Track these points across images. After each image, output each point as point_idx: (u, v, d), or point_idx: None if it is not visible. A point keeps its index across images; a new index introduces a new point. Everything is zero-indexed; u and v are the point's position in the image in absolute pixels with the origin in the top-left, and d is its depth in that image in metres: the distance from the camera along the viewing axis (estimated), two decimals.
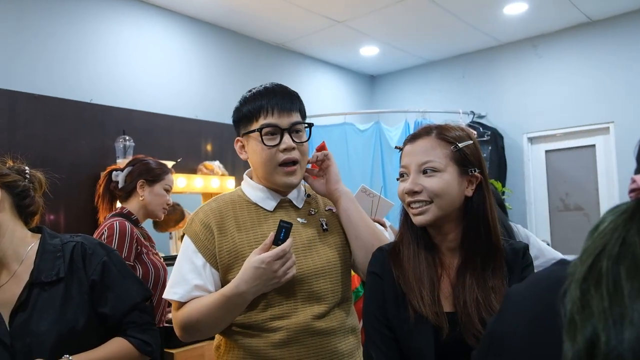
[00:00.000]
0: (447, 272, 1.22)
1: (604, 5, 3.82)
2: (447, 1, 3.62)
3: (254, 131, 1.30)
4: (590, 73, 4.12)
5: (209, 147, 3.66)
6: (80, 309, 1.25)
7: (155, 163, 2.29)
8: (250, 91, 1.37)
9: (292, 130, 1.31)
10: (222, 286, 1.26)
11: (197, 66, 3.77)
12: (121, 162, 2.95)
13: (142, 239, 2.11)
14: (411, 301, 1.16)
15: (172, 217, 3.16)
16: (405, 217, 1.26)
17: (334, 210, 1.42)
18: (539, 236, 3.57)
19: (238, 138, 1.38)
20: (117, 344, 1.29)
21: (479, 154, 1.22)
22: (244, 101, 1.35)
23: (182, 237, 1.36)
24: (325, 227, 1.38)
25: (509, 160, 4.44)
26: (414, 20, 3.97)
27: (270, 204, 1.35)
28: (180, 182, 3.16)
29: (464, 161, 1.18)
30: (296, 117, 1.33)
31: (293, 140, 1.30)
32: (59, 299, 1.24)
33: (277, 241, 1.20)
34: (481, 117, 4.61)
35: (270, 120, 1.29)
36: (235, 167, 3.71)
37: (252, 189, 1.37)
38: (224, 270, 1.27)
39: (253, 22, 3.92)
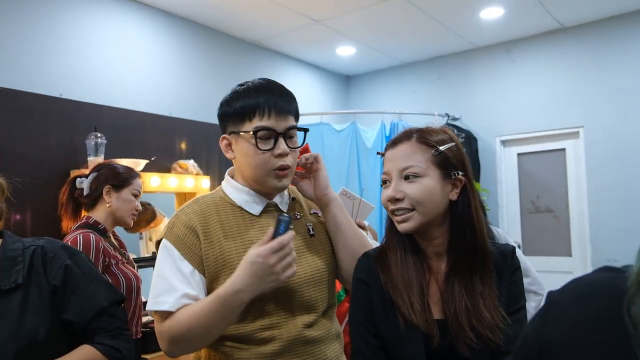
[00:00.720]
0: (435, 277, 1.19)
1: (576, 12, 3.90)
2: (426, 3, 3.63)
3: (246, 132, 1.21)
4: (561, 78, 4.21)
5: (183, 146, 3.58)
6: (41, 317, 1.18)
7: (122, 167, 2.19)
8: (242, 85, 1.26)
9: (287, 135, 1.23)
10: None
11: (172, 62, 3.68)
12: (92, 159, 2.85)
13: (111, 250, 2.01)
14: (400, 308, 1.13)
15: (143, 217, 3.07)
16: (391, 223, 1.22)
17: (319, 214, 1.36)
18: (511, 237, 3.63)
19: (225, 136, 1.27)
20: (84, 352, 1.23)
21: (463, 156, 1.19)
22: (236, 96, 1.24)
23: (158, 242, 1.24)
24: (312, 232, 1.32)
25: (483, 163, 4.50)
26: (392, 21, 3.97)
27: (256, 208, 1.27)
28: (154, 181, 3.08)
29: (446, 164, 1.15)
30: (292, 121, 1.25)
31: (287, 146, 1.22)
32: (17, 308, 1.17)
33: (276, 235, 1.12)
34: (455, 119, 4.65)
35: (265, 122, 1.20)
36: (210, 167, 3.64)
37: (237, 191, 1.28)
38: (210, 278, 1.19)
39: (230, 19, 3.85)
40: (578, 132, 4.14)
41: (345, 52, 4.66)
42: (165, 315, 1.16)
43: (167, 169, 3.37)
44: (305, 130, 1.30)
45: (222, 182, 1.33)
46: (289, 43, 4.40)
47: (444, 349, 1.11)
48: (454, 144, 1.19)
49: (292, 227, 1.14)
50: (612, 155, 3.92)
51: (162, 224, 3.18)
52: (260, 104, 1.21)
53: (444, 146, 1.16)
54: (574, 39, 4.14)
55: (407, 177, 1.15)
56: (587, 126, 4.07)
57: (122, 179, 2.13)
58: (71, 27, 3.10)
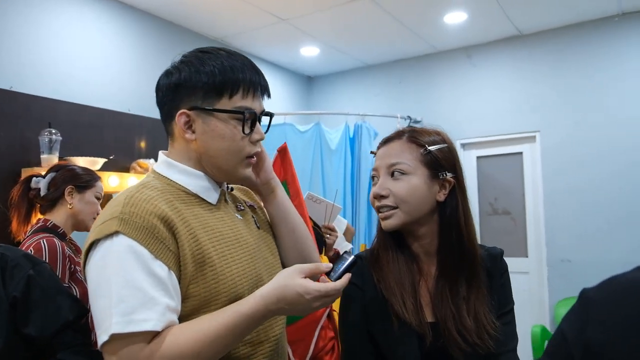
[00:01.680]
0: (425, 279, 1.19)
1: (535, 20, 4.02)
2: (392, 5, 3.64)
3: (227, 111, 1.03)
4: (519, 84, 4.32)
5: (142, 144, 3.43)
6: None
7: (81, 169, 2.05)
8: (209, 53, 1.06)
9: (261, 118, 1.09)
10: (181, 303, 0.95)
11: (131, 57, 3.52)
12: (46, 157, 2.68)
13: (73, 256, 1.88)
14: (394, 307, 1.12)
15: None
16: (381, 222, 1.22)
17: (256, 207, 1.26)
18: None
19: (186, 111, 1.03)
20: None
21: (454, 159, 1.19)
22: (210, 64, 1.03)
23: (94, 243, 0.93)
24: (257, 224, 1.20)
25: None
26: (358, 22, 3.97)
27: (213, 196, 1.09)
28: (113, 181, 2.93)
29: (435, 164, 1.15)
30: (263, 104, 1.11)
31: None
32: None
33: (331, 274, 0.99)
34: (417, 122, 4.70)
35: (249, 102, 1.05)
36: None
37: (189, 177, 1.06)
38: (186, 281, 0.95)
39: (193, 14, 3.73)
40: (535, 136, 4.26)
41: (309, 52, 4.63)
42: (146, 338, 0.88)
43: (126, 169, 3.22)
44: (271, 116, 1.15)
45: (160, 168, 1.09)
46: (253, 41, 4.32)
47: (438, 351, 1.11)
48: (445, 145, 1.18)
49: (353, 269, 1.01)
50: (566, 159, 4.06)
51: None
52: (246, 80, 1.05)
53: (433, 146, 1.16)
54: (532, 45, 4.27)
55: (393, 174, 1.15)
56: (543, 131, 4.20)
57: (86, 181, 2.00)
58: (24, 17, 2.91)
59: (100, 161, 2.84)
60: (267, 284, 0.96)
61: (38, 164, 2.70)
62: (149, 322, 0.87)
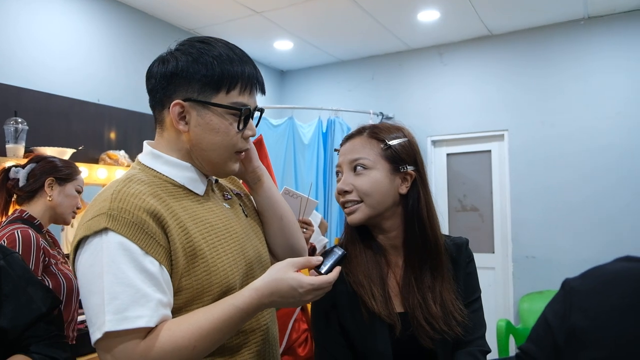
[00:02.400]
0: (393, 271, 1.23)
1: (505, 21, 4.11)
2: (367, 2, 3.66)
3: (223, 106, 1.01)
4: (488, 83, 4.41)
5: (112, 135, 3.35)
6: None
7: (62, 162, 2.02)
8: (208, 44, 1.04)
9: (254, 114, 1.08)
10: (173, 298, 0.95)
11: (100, 45, 3.43)
12: (11, 147, 2.59)
13: (49, 248, 1.84)
14: (363, 298, 1.15)
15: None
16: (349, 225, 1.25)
17: (242, 194, 1.26)
18: None
19: (180, 102, 1.01)
20: None
21: (415, 153, 1.23)
22: (210, 56, 1.01)
23: (82, 240, 0.92)
24: (245, 212, 1.20)
25: None
26: (332, 17, 3.97)
27: (201, 187, 1.08)
28: (82, 172, 2.86)
29: (395, 158, 1.19)
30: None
31: None
32: None
33: (322, 267, 1.00)
34: (389, 118, 4.74)
35: (245, 99, 1.04)
36: None
37: (176, 168, 1.05)
38: (178, 274, 0.95)
39: (165, 4, 3.66)
40: (503, 135, 4.36)
41: (283, 46, 4.61)
42: (140, 334, 0.88)
43: (95, 160, 3.14)
44: (262, 111, 1.12)
45: (145, 159, 1.07)
46: (226, 33, 4.27)
47: (408, 340, 1.15)
48: (405, 139, 1.22)
49: (343, 262, 1.03)
50: (533, 158, 4.17)
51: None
52: (245, 75, 1.03)
53: (394, 141, 1.20)
54: (502, 46, 4.36)
55: (355, 169, 1.19)
56: (511, 130, 4.30)
57: (67, 173, 1.96)
58: None
59: (69, 152, 2.77)
60: (260, 277, 0.97)
61: (3, 153, 2.61)
62: (142, 318, 0.87)
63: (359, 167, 1.18)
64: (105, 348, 0.88)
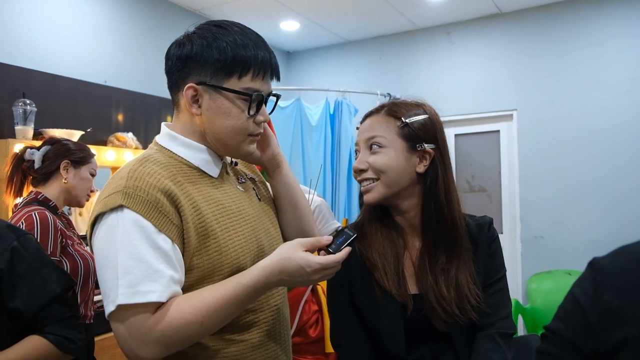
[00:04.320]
0: (410, 252, 1.21)
1: None
2: None
3: (235, 92, 1.01)
4: (497, 62, 4.36)
5: (120, 117, 3.35)
6: None
7: (76, 145, 2.03)
8: (223, 27, 1.04)
9: (267, 100, 1.10)
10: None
11: (107, 26, 3.41)
12: (20, 129, 2.59)
13: (65, 229, 1.86)
14: (375, 276, 1.15)
15: None
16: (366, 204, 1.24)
17: (256, 179, 1.26)
18: None
19: (193, 85, 1.02)
20: (32, 343, 1.11)
21: (435, 130, 1.19)
22: (223, 40, 1.01)
23: (98, 217, 0.95)
24: (258, 196, 1.20)
25: None
26: None
27: (215, 169, 1.09)
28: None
29: (412, 137, 1.16)
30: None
31: None
32: None
33: (332, 247, 0.99)
34: (397, 99, 4.69)
35: (258, 85, 1.04)
36: (149, 140, 3.42)
37: (192, 150, 1.06)
38: (190, 253, 0.97)
39: None
40: (512, 114, 4.32)
41: (289, 27, 4.56)
42: (151, 308, 0.90)
43: (103, 142, 3.14)
44: (278, 97, 1.16)
45: (162, 140, 1.09)
46: (231, 14, 4.23)
47: (421, 321, 1.14)
48: (426, 116, 1.19)
49: (354, 244, 1.02)
50: (542, 137, 4.14)
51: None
52: (258, 60, 1.03)
53: (411, 118, 1.17)
54: (511, 24, 4.30)
55: (371, 147, 1.18)
56: (520, 109, 4.26)
57: (82, 156, 1.98)
58: None
59: (77, 134, 2.77)
60: (268, 256, 0.98)
61: (12, 135, 2.61)
62: (153, 293, 0.90)
63: (374, 146, 1.17)
64: (118, 319, 0.91)
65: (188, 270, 0.97)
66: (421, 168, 1.17)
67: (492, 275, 1.21)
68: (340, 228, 1.05)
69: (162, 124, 1.12)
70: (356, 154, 1.23)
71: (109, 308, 0.91)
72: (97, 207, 0.96)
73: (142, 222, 0.92)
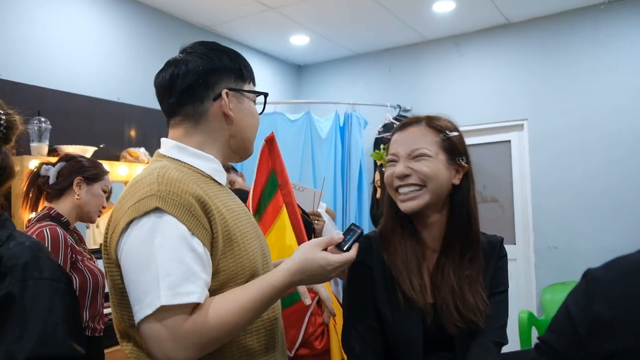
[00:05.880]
0: (427, 263, 1.25)
1: (522, 9, 4.05)
2: None
3: (254, 93, 1.18)
4: (506, 73, 4.35)
5: (132, 133, 3.42)
6: None
7: (90, 162, 2.09)
8: (218, 46, 1.18)
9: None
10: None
11: (120, 45, 3.50)
12: (36, 146, 2.66)
13: (76, 245, 1.91)
14: (401, 286, 1.18)
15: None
16: (391, 205, 1.26)
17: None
18: None
19: (227, 91, 1.12)
20: None
21: (465, 145, 1.26)
22: (233, 53, 1.17)
23: (138, 217, 0.94)
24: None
25: None
26: (347, 11, 3.97)
27: (223, 178, 1.16)
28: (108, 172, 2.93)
29: (452, 150, 1.21)
30: None
31: None
32: None
33: (344, 244, 1.08)
34: (407, 110, 4.72)
35: (252, 86, 1.20)
36: None
37: (202, 159, 1.11)
38: (217, 257, 1.01)
39: (181, 2, 3.71)
40: (522, 124, 4.30)
41: (299, 41, 4.62)
42: (189, 310, 0.92)
43: (116, 157, 3.21)
44: (266, 95, 1.27)
45: (171, 152, 1.12)
46: (242, 30, 4.30)
47: (436, 329, 1.18)
48: (458, 133, 1.25)
49: (359, 239, 1.11)
50: (554, 147, 4.11)
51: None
52: (252, 70, 1.21)
53: (451, 133, 1.22)
54: (520, 34, 4.30)
55: (415, 158, 1.19)
56: (530, 119, 4.24)
57: (95, 173, 2.03)
58: (13, 4, 2.88)
59: (91, 150, 2.84)
60: (289, 258, 1.05)
61: (28, 152, 2.68)
62: (194, 294, 0.92)
63: (420, 157, 1.19)
64: (156, 321, 0.90)
65: (215, 274, 1.01)
66: (457, 180, 1.22)
67: (495, 287, 1.25)
68: (350, 225, 1.12)
69: (163, 139, 1.16)
70: (390, 163, 1.24)
71: (143, 312, 0.90)
72: (127, 213, 0.96)
73: (178, 224, 0.95)
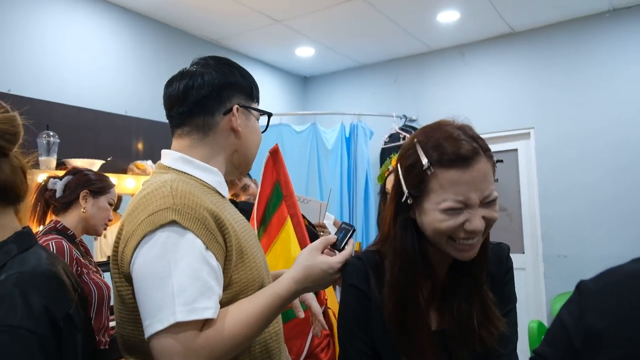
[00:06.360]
0: (437, 282, 1.10)
1: (527, 18, 4.06)
2: (385, 6, 3.67)
3: (260, 111, 1.21)
4: (512, 82, 4.35)
5: (140, 146, 3.45)
6: None
7: (96, 175, 2.11)
8: (229, 62, 1.20)
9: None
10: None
11: (127, 59, 3.55)
12: (44, 159, 2.70)
13: (81, 258, 1.93)
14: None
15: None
16: (404, 229, 1.05)
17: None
18: None
19: (237, 106, 1.14)
20: None
21: None
22: (241, 70, 1.20)
23: (153, 230, 0.92)
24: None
25: None
26: (352, 23, 4.00)
27: (226, 191, 1.16)
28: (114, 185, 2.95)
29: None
30: None
31: None
32: None
33: (339, 243, 1.08)
34: (412, 120, 4.73)
35: (257, 105, 1.23)
36: None
37: (207, 172, 1.11)
38: (230, 270, 1.01)
39: (188, 16, 3.76)
40: (529, 133, 4.29)
41: (305, 53, 4.65)
42: (200, 325, 0.92)
43: (123, 170, 3.24)
44: (270, 115, 1.26)
45: (176, 164, 1.10)
46: (248, 43, 4.34)
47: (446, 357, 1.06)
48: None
49: (352, 236, 1.13)
50: (561, 155, 4.09)
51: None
52: (258, 88, 1.24)
53: (495, 158, 1.03)
54: (525, 43, 4.30)
55: (488, 204, 0.97)
56: (537, 127, 4.23)
57: (101, 186, 2.05)
58: (22, 20, 2.94)
59: (98, 163, 2.86)
60: (291, 267, 1.05)
61: (36, 166, 2.72)
62: (209, 310, 0.92)
63: (492, 202, 0.98)
64: (169, 336, 0.89)
65: (227, 286, 1.00)
66: None
67: (505, 305, 1.13)
68: (341, 224, 1.13)
69: (165, 150, 1.16)
70: (454, 211, 0.97)
71: (154, 327, 0.89)
72: (141, 226, 0.94)
73: (194, 239, 0.94)
